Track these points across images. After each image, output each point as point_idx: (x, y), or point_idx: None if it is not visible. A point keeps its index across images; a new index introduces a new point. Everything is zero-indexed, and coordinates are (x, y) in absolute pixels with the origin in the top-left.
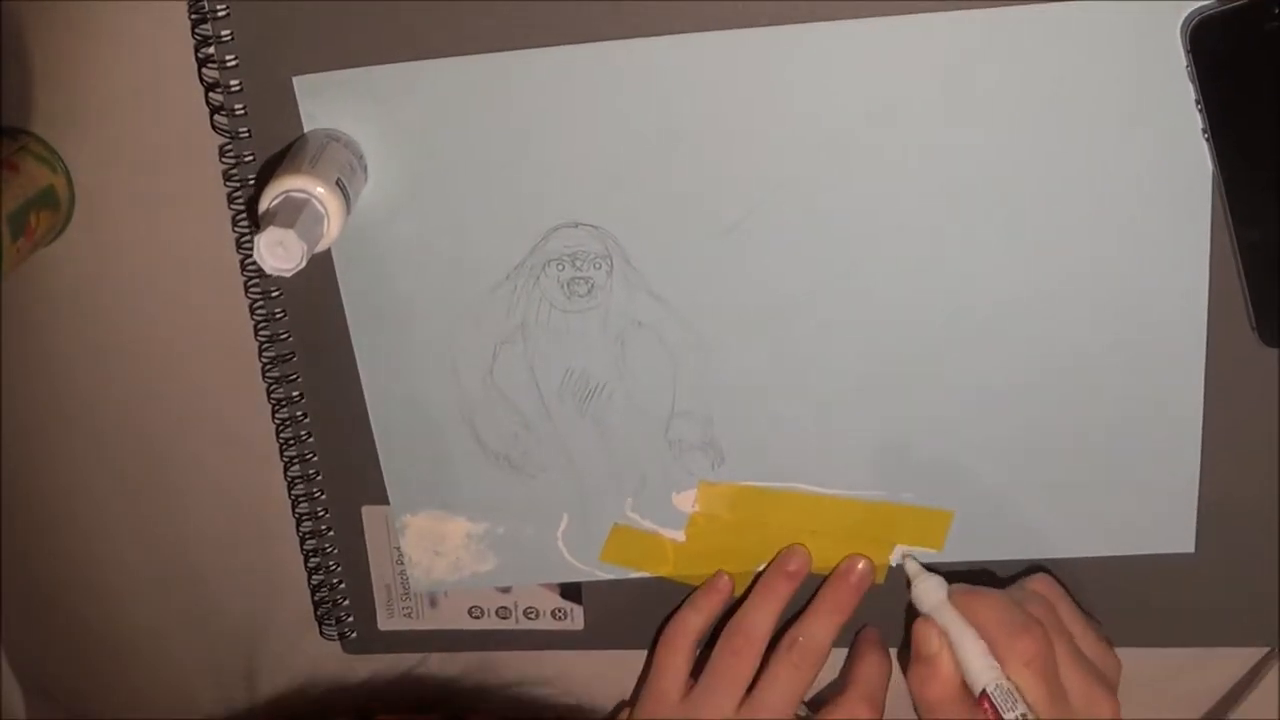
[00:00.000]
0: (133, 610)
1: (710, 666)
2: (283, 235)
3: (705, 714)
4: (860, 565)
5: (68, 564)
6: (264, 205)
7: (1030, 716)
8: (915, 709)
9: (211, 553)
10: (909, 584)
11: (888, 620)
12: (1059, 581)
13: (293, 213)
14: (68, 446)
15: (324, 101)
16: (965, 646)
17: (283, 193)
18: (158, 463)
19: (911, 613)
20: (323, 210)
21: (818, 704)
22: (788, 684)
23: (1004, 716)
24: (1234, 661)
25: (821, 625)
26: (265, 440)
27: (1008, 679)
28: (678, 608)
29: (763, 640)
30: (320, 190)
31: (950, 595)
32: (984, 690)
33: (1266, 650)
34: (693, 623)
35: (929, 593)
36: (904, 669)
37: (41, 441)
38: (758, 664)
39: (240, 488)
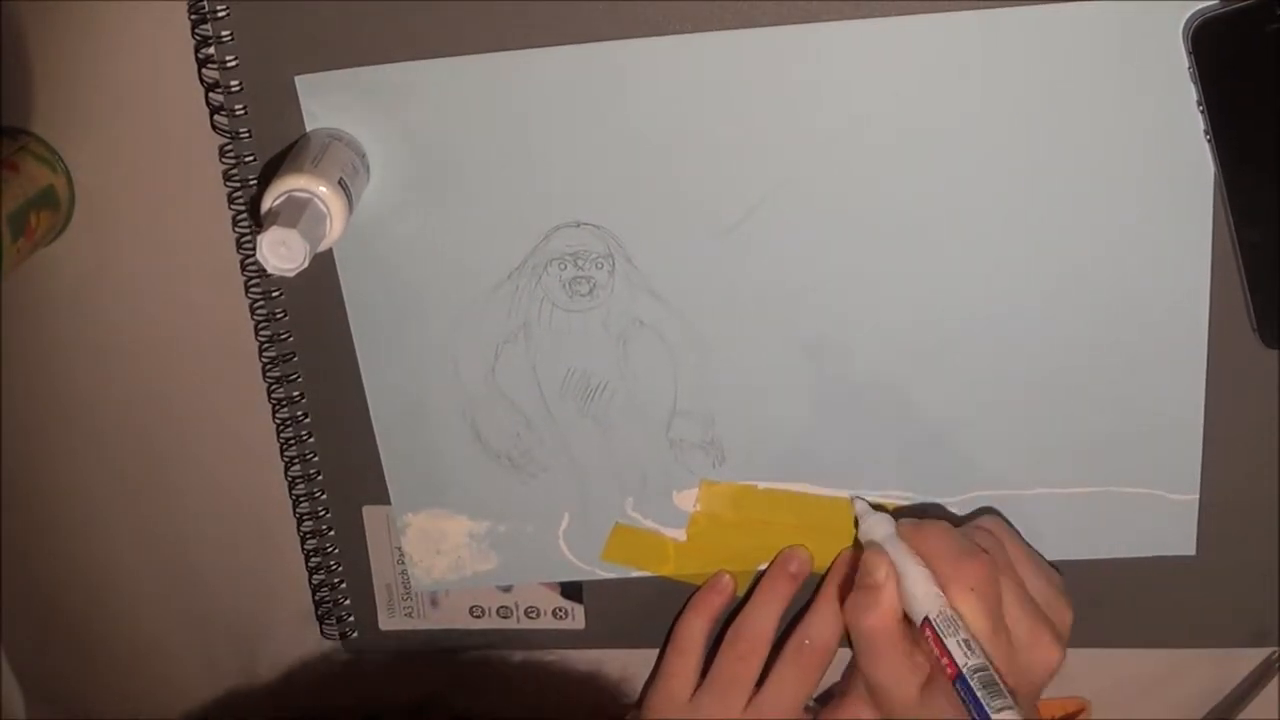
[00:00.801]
0: (133, 610)
1: (716, 669)
2: (285, 235)
3: (712, 715)
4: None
5: (68, 564)
6: (266, 205)
7: (972, 642)
8: (850, 640)
9: (211, 553)
10: (856, 522)
11: None
12: (1009, 523)
13: (295, 212)
14: (68, 446)
15: (326, 101)
16: (910, 576)
17: (285, 192)
18: (158, 463)
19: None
20: (325, 210)
21: (825, 699)
22: (795, 685)
23: (945, 641)
24: (1235, 663)
25: (829, 625)
26: (266, 440)
27: (951, 608)
28: (681, 610)
29: (767, 642)
30: (323, 190)
31: (898, 529)
32: (926, 617)
33: (1269, 652)
34: (697, 626)
35: (875, 527)
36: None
37: (41, 441)
38: (763, 665)
39: (240, 488)
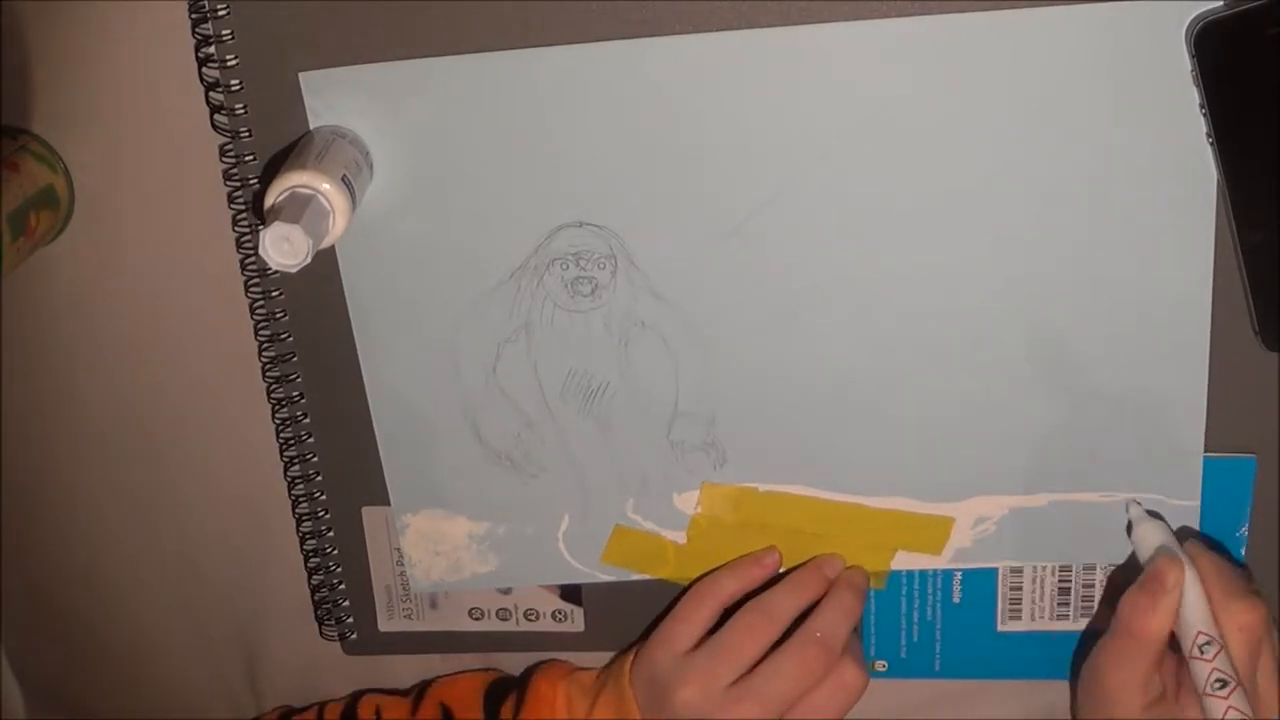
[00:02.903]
0: (133, 610)
1: (722, 635)
2: (288, 230)
3: (700, 677)
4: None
5: (68, 564)
6: (269, 201)
7: (1229, 678)
8: (1115, 635)
9: (211, 553)
10: (1129, 527)
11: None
12: None
13: (298, 208)
14: (68, 446)
15: (329, 98)
16: (1190, 592)
17: (288, 188)
18: (157, 462)
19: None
20: (328, 206)
21: None
22: (792, 680)
23: (1202, 659)
24: None
25: (841, 623)
26: (265, 440)
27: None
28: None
29: (781, 626)
30: (326, 186)
31: (1187, 546)
32: (1200, 632)
33: None
34: (727, 586)
35: (1152, 534)
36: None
37: (41, 441)
38: (766, 648)
39: (240, 487)
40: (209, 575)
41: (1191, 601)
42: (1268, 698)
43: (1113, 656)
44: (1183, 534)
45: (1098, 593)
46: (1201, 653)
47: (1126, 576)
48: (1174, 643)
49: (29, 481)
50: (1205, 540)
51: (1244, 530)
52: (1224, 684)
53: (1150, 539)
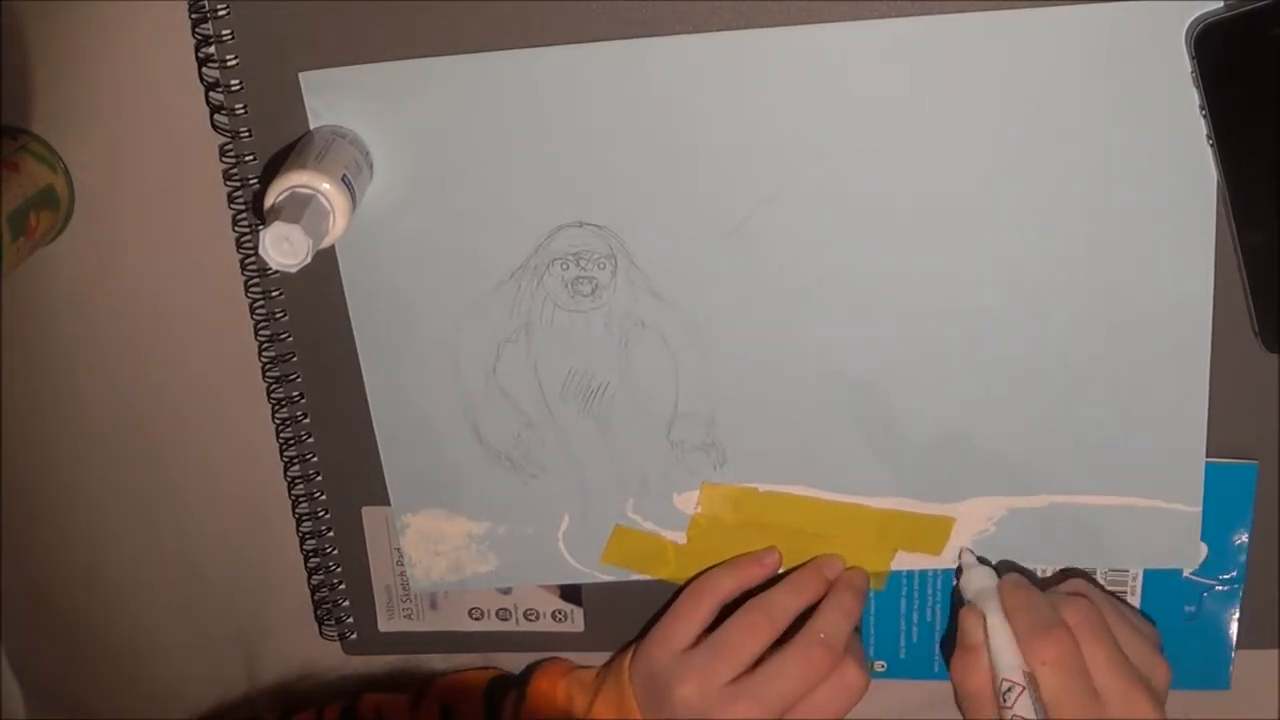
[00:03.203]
0: (133, 610)
1: (720, 633)
2: (288, 230)
3: (699, 675)
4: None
5: (68, 564)
6: (269, 201)
7: (1038, 709)
8: (956, 699)
9: (211, 553)
10: (958, 572)
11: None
12: (1098, 584)
13: (298, 208)
14: (68, 446)
15: (330, 98)
16: (997, 638)
17: (288, 188)
18: (157, 462)
19: (958, 603)
20: (328, 206)
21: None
22: (792, 681)
23: (1005, 706)
24: (1237, 664)
25: (842, 623)
26: (265, 440)
27: (1028, 674)
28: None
29: (781, 627)
30: (326, 186)
31: (1000, 586)
32: (1003, 679)
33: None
34: (726, 584)
35: (972, 580)
36: (945, 658)
37: (41, 441)
38: (766, 646)
39: (240, 487)
40: (209, 575)
41: (999, 646)
42: (1118, 699)
43: (967, 715)
44: (1004, 568)
45: None
46: (1004, 700)
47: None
48: None
49: (29, 481)
50: (1020, 572)
51: (1245, 536)
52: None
53: (968, 587)
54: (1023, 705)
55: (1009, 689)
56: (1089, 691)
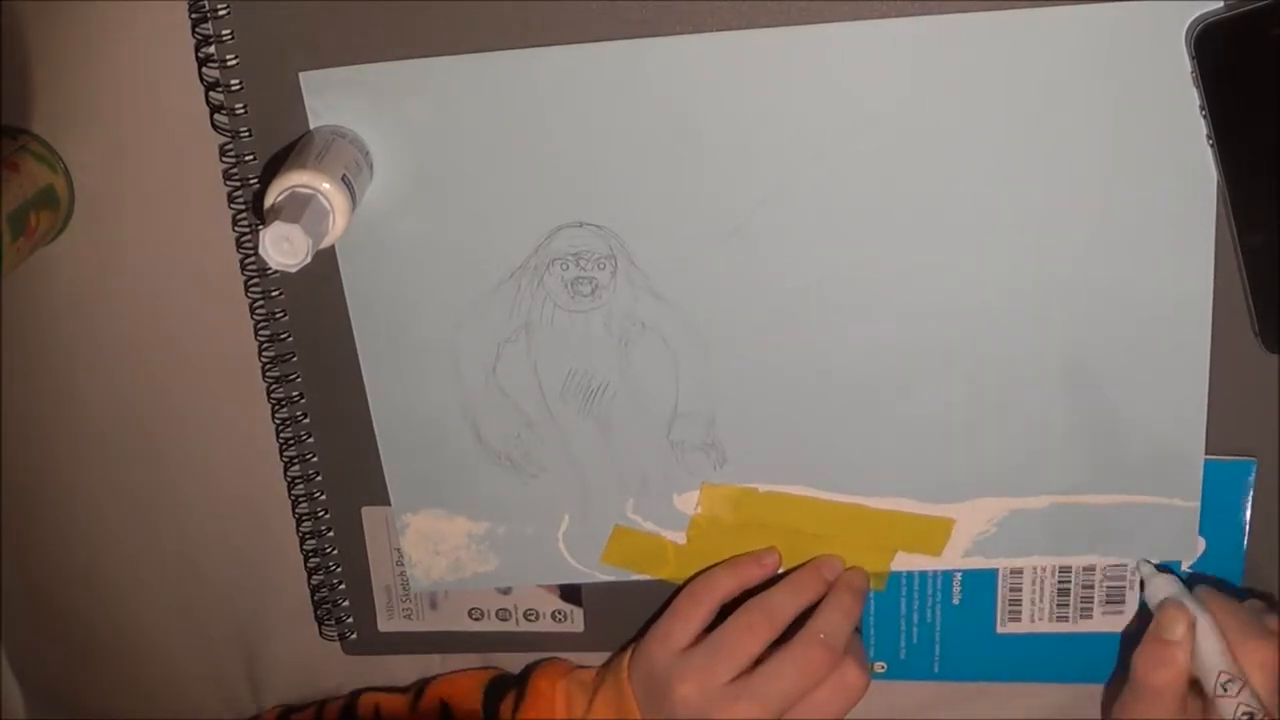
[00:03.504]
0: (133, 610)
1: (720, 633)
2: (288, 230)
3: (699, 674)
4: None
5: (68, 564)
6: (269, 200)
7: (1257, 715)
8: (1132, 689)
9: (211, 553)
10: (1142, 585)
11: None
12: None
13: (298, 208)
14: (68, 446)
15: (330, 98)
16: (1205, 635)
17: (288, 188)
18: (157, 462)
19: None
20: (328, 206)
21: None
22: (792, 681)
23: (1223, 697)
24: None
25: (842, 625)
26: (265, 440)
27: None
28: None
29: (780, 627)
30: (326, 186)
31: (1203, 591)
32: (1219, 672)
33: None
34: (725, 584)
35: (1159, 588)
36: (1124, 654)
37: (41, 441)
38: (765, 646)
39: (240, 487)
40: (209, 575)
41: (1209, 644)
42: None
43: (1134, 710)
44: (1191, 580)
45: (1097, 594)
46: (1225, 690)
47: (1140, 626)
48: (1195, 685)
49: (29, 481)
50: (1212, 582)
51: (1244, 533)
52: (1251, 717)
53: (1161, 592)
54: (1247, 696)
55: (1229, 680)
56: (1275, 705)
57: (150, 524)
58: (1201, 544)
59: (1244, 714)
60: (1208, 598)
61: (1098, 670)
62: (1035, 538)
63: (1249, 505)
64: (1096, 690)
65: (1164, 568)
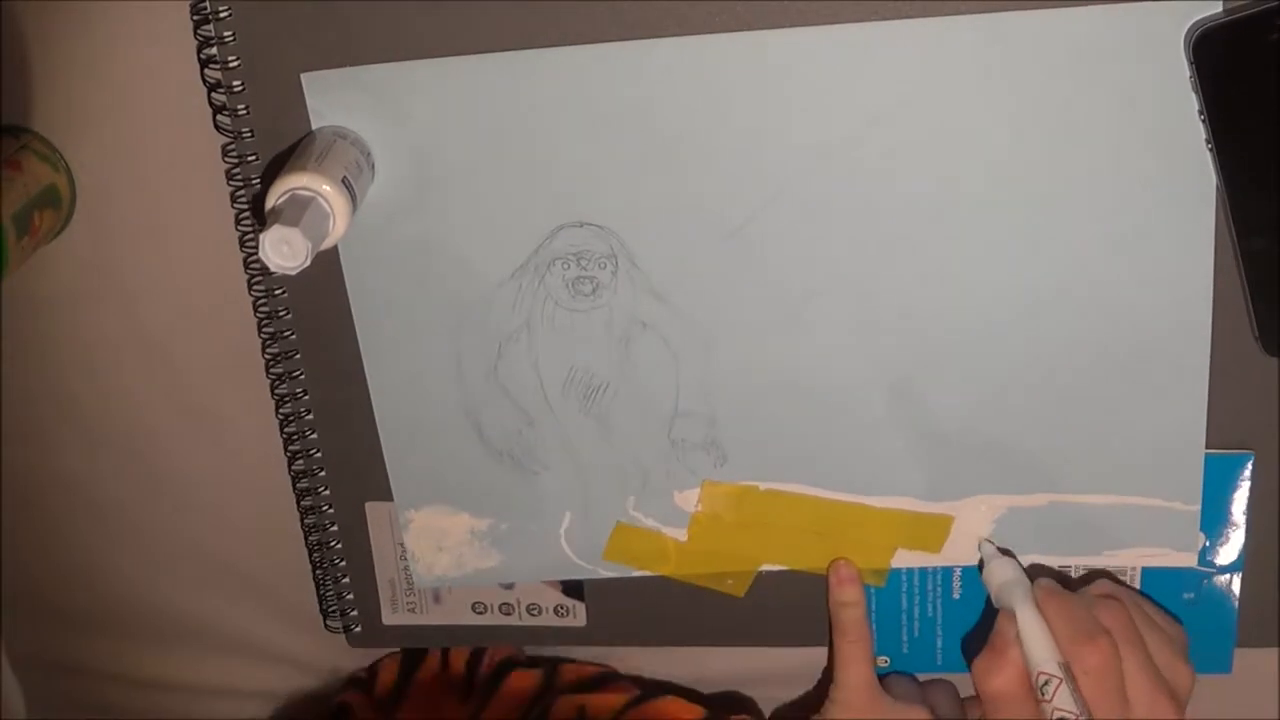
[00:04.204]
0: (134, 609)
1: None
2: (288, 234)
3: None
4: None
5: (68, 564)
6: (269, 203)
7: (1071, 713)
8: (976, 694)
9: (214, 549)
10: (981, 565)
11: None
12: (1124, 584)
13: (298, 211)
14: (68, 446)
15: (331, 99)
16: (1030, 632)
17: (288, 190)
18: (159, 461)
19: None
20: (328, 208)
21: None
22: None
23: (1043, 700)
24: (1238, 665)
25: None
26: (268, 438)
27: (1063, 666)
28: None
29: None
30: (326, 188)
31: (1036, 589)
32: (1038, 673)
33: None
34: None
35: (996, 573)
36: (967, 658)
37: (41, 441)
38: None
39: (243, 484)
40: (211, 573)
41: (1034, 642)
42: (1144, 704)
43: (980, 711)
44: (1034, 572)
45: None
46: (1043, 694)
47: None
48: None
49: (29, 481)
50: (1056, 577)
51: (1241, 523)
52: None
53: (997, 577)
54: (1062, 698)
55: (1046, 682)
56: (1121, 697)
57: (151, 523)
58: (1201, 538)
59: (1058, 718)
60: (1043, 598)
61: None
62: (1034, 536)
63: (1246, 498)
64: None
65: (1007, 551)
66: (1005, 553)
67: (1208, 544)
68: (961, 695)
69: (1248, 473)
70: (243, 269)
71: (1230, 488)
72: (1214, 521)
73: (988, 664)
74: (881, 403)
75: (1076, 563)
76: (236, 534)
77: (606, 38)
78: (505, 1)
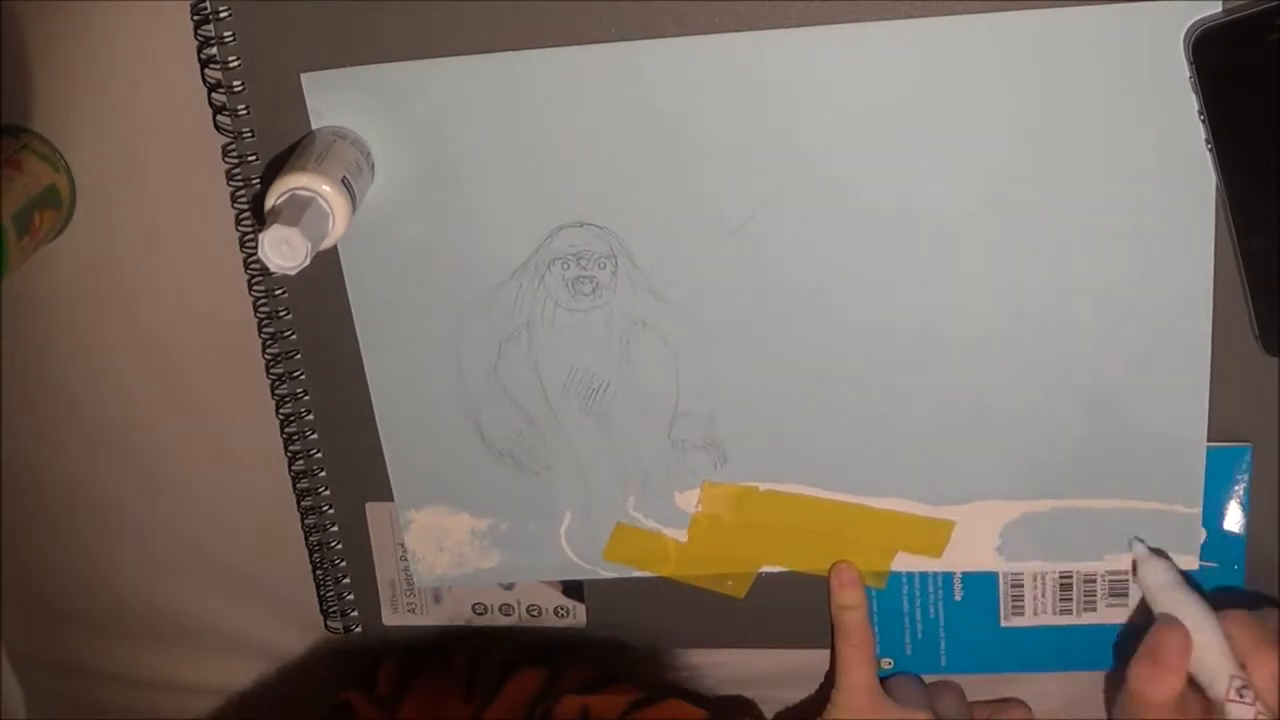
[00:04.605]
0: (134, 609)
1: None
2: (287, 233)
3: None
4: None
5: (68, 564)
6: (269, 203)
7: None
8: (1130, 698)
9: (214, 549)
10: (1134, 567)
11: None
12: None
13: (298, 211)
14: (68, 446)
15: (331, 99)
16: (1206, 639)
17: (288, 191)
18: (159, 462)
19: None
20: (328, 209)
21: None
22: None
23: (1238, 702)
24: None
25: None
26: (269, 438)
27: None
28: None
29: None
30: (326, 188)
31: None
32: (1231, 676)
33: None
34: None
35: (1150, 574)
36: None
37: (41, 441)
38: None
39: (243, 485)
40: (211, 573)
41: (1218, 648)
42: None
43: (1132, 712)
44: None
45: (1100, 588)
46: (1241, 696)
47: (1144, 620)
48: (1192, 681)
49: (29, 481)
50: (1226, 591)
51: (1241, 520)
52: None
53: (1151, 578)
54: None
55: (1244, 686)
56: None
57: (151, 523)
58: (1202, 534)
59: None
60: (1216, 605)
61: (1108, 658)
62: (1036, 542)
63: (1246, 491)
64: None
65: (1158, 551)
66: (1157, 553)
67: (1207, 540)
68: (969, 698)
69: (1246, 465)
70: (243, 269)
71: (1229, 481)
72: (1214, 517)
73: (1150, 675)
74: (882, 404)
75: (1078, 568)
76: (236, 534)
77: (606, 38)
78: (506, 1)
